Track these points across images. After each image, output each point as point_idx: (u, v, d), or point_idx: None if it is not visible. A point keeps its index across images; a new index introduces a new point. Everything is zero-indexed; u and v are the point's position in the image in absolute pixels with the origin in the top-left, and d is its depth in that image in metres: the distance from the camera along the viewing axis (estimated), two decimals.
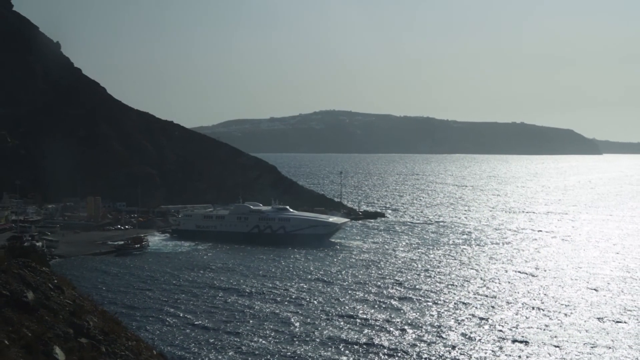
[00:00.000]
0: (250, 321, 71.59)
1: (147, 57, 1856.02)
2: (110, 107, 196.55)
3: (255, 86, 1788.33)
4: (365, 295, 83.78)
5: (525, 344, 63.43)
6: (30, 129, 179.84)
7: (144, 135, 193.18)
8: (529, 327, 69.43)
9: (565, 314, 75.12)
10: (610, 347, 62.72)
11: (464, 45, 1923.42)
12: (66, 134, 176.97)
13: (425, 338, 65.06)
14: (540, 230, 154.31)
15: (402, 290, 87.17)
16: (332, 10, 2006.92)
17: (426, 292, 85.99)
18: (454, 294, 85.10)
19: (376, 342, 63.63)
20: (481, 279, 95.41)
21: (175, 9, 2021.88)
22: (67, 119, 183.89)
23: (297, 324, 70.02)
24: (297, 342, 63.52)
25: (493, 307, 78.38)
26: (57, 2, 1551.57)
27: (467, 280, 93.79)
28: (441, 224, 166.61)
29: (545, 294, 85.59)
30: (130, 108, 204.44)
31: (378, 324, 70.15)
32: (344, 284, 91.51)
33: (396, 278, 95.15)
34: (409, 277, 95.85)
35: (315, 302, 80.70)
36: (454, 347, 62.10)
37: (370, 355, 59.89)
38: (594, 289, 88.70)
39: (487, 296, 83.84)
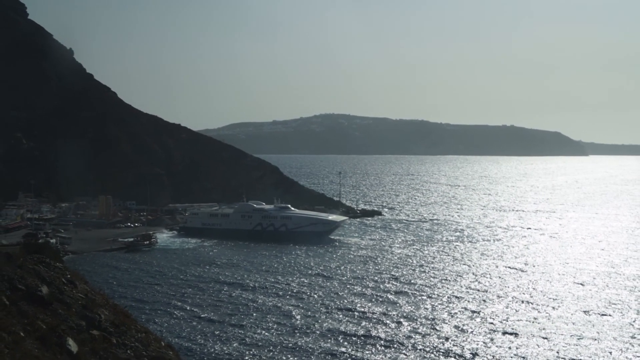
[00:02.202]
0: (254, 314, 71.63)
1: (155, 63, 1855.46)
2: (120, 111, 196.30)
3: (259, 91, 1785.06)
4: (363, 290, 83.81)
5: (515, 336, 63.48)
6: (44, 131, 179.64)
7: (153, 138, 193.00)
8: (518, 320, 69.46)
9: (553, 307, 75.16)
10: (595, 339, 62.76)
11: (457, 52, 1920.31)
12: (78, 136, 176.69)
13: (420, 330, 65.12)
14: (529, 228, 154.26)
15: (398, 284, 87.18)
16: (332, 20, 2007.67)
17: (421, 286, 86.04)
18: (447, 288, 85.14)
19: (373, 334, 63.68)
20: (473, 274, 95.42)
21: (183, 18, 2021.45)
22: (80, 122, 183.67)
23: (298, 317, 70.05)
24: (298, 334, 63.57)
25: (484, 300, 78.41)
26: (71, 10, 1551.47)
27: (459, 275, 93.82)
28: (435, 221, 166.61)
29: (534, 289, 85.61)
30: (139, 111, 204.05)
31: (375, 316, 70.19)
32: (343, 278, 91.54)
33: (392, 273, 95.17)
34: (404, 272, 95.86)
35: (315, 296, 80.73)
36: (447, 339, 62.14)
37: (368, 346, 59.92)
38: (581, 284, 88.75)
39: (478, 290, 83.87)
